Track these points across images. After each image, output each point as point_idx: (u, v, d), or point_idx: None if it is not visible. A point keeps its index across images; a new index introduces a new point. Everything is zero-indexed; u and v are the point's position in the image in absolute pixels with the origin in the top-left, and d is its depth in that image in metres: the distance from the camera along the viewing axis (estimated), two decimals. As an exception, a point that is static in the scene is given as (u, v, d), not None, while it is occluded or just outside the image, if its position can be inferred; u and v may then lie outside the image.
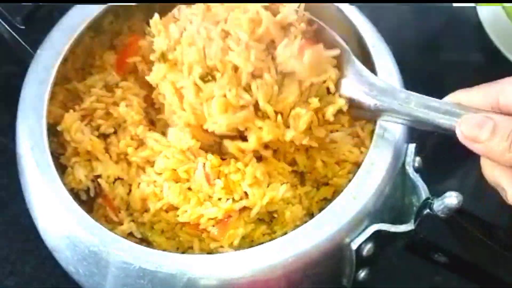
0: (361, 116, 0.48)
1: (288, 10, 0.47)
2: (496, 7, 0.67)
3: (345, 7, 0.52)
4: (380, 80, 0.47)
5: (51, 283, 0.59)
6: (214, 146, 0.50)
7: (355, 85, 0.47)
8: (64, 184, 0.47)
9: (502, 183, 0.42)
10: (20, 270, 0.60)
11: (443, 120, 0.43)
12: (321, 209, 0.46)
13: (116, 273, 0.43)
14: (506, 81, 0.42)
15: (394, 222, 0.46)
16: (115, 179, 0.50)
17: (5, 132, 0.61)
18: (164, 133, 0.51)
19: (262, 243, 0.44)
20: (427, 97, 0.45)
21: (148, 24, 0.53)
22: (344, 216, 0.44)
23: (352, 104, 0.47)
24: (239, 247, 0.47)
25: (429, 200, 0.46)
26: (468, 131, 0.41)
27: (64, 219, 0.45)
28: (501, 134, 0.40)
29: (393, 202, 0.47)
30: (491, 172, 0.42)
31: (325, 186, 0.51)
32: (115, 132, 0.52)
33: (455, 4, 0.62)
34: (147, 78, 0.50)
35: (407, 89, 0.50)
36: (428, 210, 0.45)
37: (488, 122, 0.40)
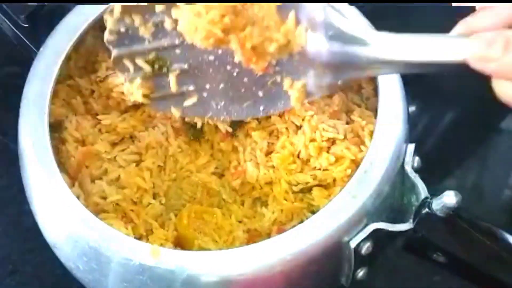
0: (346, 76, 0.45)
1: None
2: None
3: (344, 8, 0.52)
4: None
5: (52, 282, 0.59)
6: None
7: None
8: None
9: None
10: (21, 269, 0.61)
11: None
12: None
13: (116, 269, 0.44)
14: None
15: (393, 221, 0.46)
16: None
17: (6, 132, 0.62)
18: None
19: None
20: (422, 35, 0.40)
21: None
22: (343, 214, 0.44)
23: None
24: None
25: (428, 200, 0.46)
26: (479, 50, 0.37)
27: (64, 214, 0.45)
28: None
29: (392, 202, 0.47)
30: (507, 91, 0.38)
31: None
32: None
33: (454, 4, 0.62)
34: None
35: (407, 92, 0.50)
36: (427, 209, 0.46)
37: (499, 37, 0.37)
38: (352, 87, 0.54)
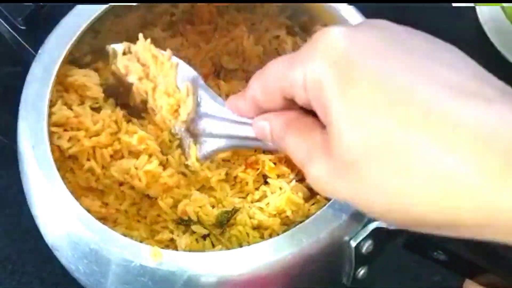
0: None
1: None
2: (495, 7, 0.67)
3: (343, 8, 0.52)
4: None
5: (52, 282, 0.60)
6: None
7: None
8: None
9: None
10: (21, 269, 0.61)
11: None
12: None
13: (117, 271, 0.44)
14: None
15: (394, 220, 0.46)
16: None
17: (6, 132, 0.62)
18: None
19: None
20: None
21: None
22: (343, 213, 0.44)
23: None
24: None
25: (429, 198, 0.46)
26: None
27: (64, 217, 0.45)
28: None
29: (393, 200, 0.47)
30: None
31: None
32: None
33: (454, 4, 0.62)
34: None
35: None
36: (427, 208, 0.46)
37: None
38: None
